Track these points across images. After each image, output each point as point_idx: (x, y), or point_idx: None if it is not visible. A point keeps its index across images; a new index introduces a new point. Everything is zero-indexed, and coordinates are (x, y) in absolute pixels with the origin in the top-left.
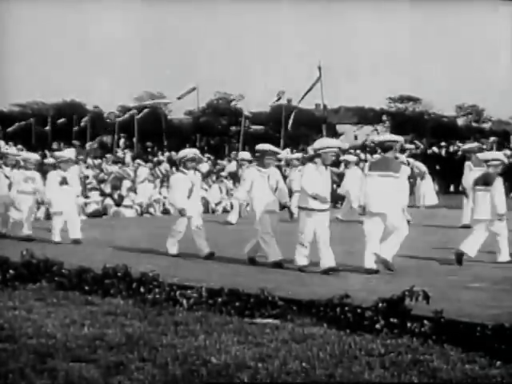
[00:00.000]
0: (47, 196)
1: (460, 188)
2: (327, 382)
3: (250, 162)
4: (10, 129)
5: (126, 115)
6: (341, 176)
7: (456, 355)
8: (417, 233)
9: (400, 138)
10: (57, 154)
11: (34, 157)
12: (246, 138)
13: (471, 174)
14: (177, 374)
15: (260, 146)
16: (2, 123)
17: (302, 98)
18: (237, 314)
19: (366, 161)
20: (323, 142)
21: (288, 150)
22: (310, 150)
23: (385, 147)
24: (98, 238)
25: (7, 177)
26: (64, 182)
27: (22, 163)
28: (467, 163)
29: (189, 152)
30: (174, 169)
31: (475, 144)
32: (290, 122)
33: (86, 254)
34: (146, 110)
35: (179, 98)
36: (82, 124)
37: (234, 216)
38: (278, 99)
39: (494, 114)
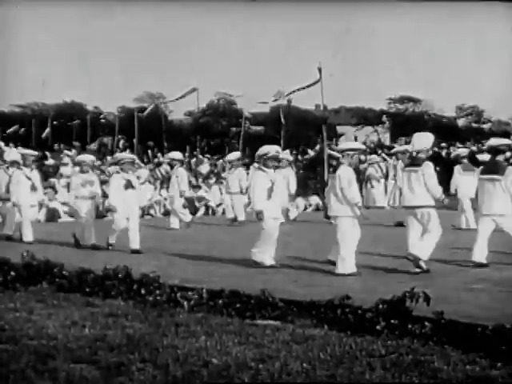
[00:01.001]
0: (111, 201)
1: (451, 191)
2: (328, 383)
3: (181, 162)
4: (10, 130)
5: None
6: None
7: (457, 356)
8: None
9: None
10: (119, 155)
11: (90, 158)
12: (246, 138)
13: (461, 178)
14: (177, 374)
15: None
16: (3, 124)
17: (294, 92)
18: (237, 316)
19: (364, 162)
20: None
21: (288, 151)
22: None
23: (497, 151)
24: (98, 240)
25: (29, 178)
26: (129, 185)
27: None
28: (457, 167)
29: (270, 149)
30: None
31: (466, 150)
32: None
33: (86, 255)
34: (148, 109)
35: (179, 98)
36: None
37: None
38: (275, 100)
39: (493, 114)
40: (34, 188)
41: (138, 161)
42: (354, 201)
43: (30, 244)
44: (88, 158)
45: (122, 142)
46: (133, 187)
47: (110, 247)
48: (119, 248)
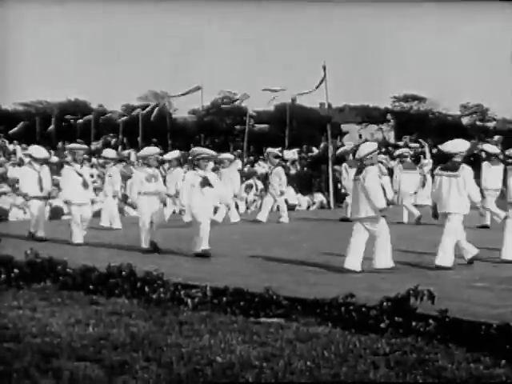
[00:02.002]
0: (183, 200)
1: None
2: (332, 382)
3: (115, 160)
4: (14, 129)
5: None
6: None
7: (461, 354)
8: (421, 232)
9: None
10: (196, 149)
11: (155, 150)
12: (250, 137)
13: (402, 176)
14: (181, 373)
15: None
16: (7, 122)
17: (303, 94)
18: (241, 314)
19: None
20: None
21: (295, 150)
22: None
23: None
24: (102, 237)
25: (80, 174)
26: (206, 183)
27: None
28: (399, 165)
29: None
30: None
31: (407, 149)
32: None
33: (90, 253)
34: (148, 108)
35: (183, 95)
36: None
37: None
38: (273, 98)
39: (498, 112)
40: (85, 185)
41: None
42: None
43: (78, 246)
44: (154, 150)
45: (125, 140)
46: (210, 185)
47: (207, 254)
48: (123, 245)
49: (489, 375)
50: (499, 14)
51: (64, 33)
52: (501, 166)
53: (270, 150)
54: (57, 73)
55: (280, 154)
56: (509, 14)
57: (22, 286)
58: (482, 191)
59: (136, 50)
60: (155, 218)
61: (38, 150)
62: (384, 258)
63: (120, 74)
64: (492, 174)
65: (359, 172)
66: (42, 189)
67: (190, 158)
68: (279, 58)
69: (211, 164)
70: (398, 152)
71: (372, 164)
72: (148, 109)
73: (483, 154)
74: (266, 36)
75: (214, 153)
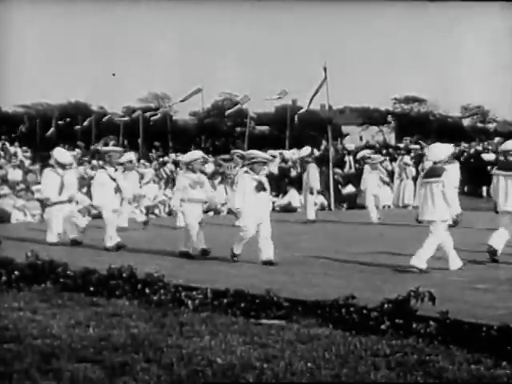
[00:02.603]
0: (236, 205)
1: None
2: (333, 383)
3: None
4: (16, 134)
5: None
6: (345, 177)
7: (462, 356)
8: (421, 233)
9: None
10: (252, 152)
11: (200, 155)
12: (251, 138)
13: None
14: (182, 374)
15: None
16: (7, 124)
17: (310, 102)
18: (242, 315)
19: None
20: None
21: (294, 150)
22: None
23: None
24: (102, 240)
25: (113, 179)
26: (261, 187)
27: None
28: (366, 166)
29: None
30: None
31: (369, 151)
32: (295, 119)
33: (90, 255)
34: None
35: (183, 101)
36: (86, 123)
37: None
38: (278, 98)
39: (499, 114)
40: (118, 190)
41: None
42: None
43: (116, 251)
44: (199, 154)
45: (124, 142)
46: (265, 189)
47: (235, 259)
48: (128, 248)
49: (490, 376)
50: (499, 15)
51: (65, 34)
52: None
53: (234, 150)
54: (57, 74)
55: (242, 154)
56: (508, 14)
57: (23, 288)
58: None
59: (136, 52)
60: (196, 225)
61: (62, 155)
62: (455, 259)
63: (121, 75)
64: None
65: (433, 175)
66: (64, 193)
67: (244, 161)
68: (280, 59)
69: (211, 166)
70: (361, 153)
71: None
72: (152, 113)
73: None
74: (266, 37)
75: (269, 156)
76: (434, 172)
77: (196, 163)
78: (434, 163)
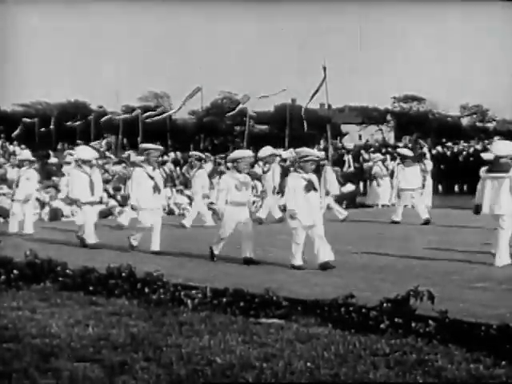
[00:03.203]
0: (289, 206)
1: None
2: (332, 382)
3: (31, 162)
4: (15, 132)
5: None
6: (344, 176)
7: (461, 355)
8: (421, 233)
9: None
10: (304, 150)
11: (248, 154)
12: (250, 137)
13: None
14: (181, 373)
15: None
16: (6, 123)
17: (310, 101)
18: (241, 314)
19: (369, 160)
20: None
21: (292, 150)
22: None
23: None
24: (102, 239)
25: (151, 177)
26: (311, 187)
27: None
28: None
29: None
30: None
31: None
32: (305, 124)
33: (90, 254)
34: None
35: (185, 102)
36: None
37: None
38: (275, 94)
39: (498, 113)
40: (156, 189)
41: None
42: None
43: (156, 254)
44: (247, 153)
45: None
46: (315, 189)
47: (301, 265)
48: (127, 247)
49: (489, 375)
50: (499, 14)
51: (64, 33)
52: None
53: (192, 152)
54: (56, 73)
55: (202, 156)
56: (509, 14)
57: (22, 287)
58: None
59: (136, 51)
60: (243, 228)
61: (85, 151)
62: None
63: (120, 74)
64: None
65: (500, 170)
66: (93, 193)
67: (296, 159)
68: (279, 58)
69: (210, 165)
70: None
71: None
72: (152, 112)
73: None
74: (266, 36)
75: (321, 154)
76: (501, 167)
77: (242, 162)
78: (498, 158)
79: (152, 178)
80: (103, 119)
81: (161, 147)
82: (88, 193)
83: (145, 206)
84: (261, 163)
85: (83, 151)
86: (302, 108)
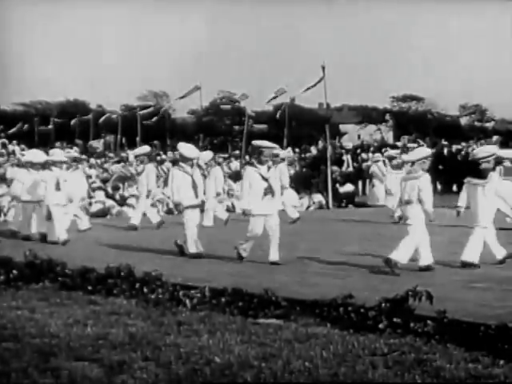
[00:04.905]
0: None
1: None
2: (331, 382)
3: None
4: (13, 129)
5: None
6: (343, 176)
7: (459, 354)
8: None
9: None
10: (412, 150)
11: (268, 143)
12: (249, 137)
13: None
14: (180, 373)
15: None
16: (5, 122)
17: (304, 92)
18: (240, 314)
19: (367, 160)
20: None
21: (290, 148)
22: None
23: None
24: (101, 238)
25: (265, 179)
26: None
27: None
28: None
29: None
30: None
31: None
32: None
33: (89, 253)
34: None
35: (182, 97)
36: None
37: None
38: (275, 97)
39: (497, 113)
40: (271, 191)
41: None
42: None
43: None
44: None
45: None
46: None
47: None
48: (126, 247)
49: (487, 375)
50: (499, 14)
51: (63, 33)
52: None
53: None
54: (56, 73)
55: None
56: (509, 13)
57: (21, 287)
58: None
59: (135, 50)
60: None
61: (189, 149)
62: None
63: (119, 73)
64: None
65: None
66: (197, 195)
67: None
68: (279, 58)
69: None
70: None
71: None
72: (149, 110)
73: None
74: (266, 35)
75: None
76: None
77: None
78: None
79: (266, 179)
80: (102, 118)
81: (276, 145)
82: (191, 195)
83: (257, 212)
84: None
85: (187, 148)
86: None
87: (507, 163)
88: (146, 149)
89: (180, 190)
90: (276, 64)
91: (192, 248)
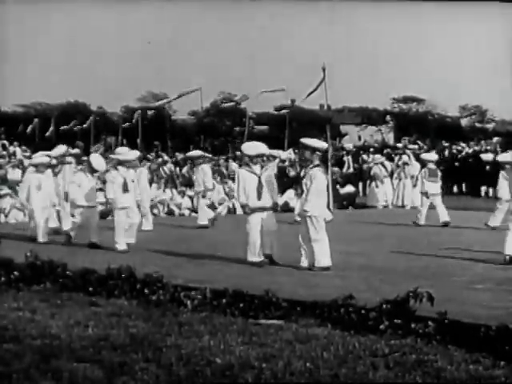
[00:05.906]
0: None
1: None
2: (331, 383)
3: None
4: (18, 131)
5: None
6: (344, 177)
7: (460, 356)
8: (420, 233)
9: None
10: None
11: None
12: (250, 138)
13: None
14: (181, 374)
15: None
16: (6, 124)
17: (306, 98)
18: (241, 315)
19: (365, 162)
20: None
21: (290, 150)
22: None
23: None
24: (102, 240)
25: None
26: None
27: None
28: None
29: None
30: None
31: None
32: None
33: (90, 255)
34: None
35: (180, 96)
36: (86, 125)
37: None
38: (274, 91)
39: (497, 114)
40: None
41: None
42: None
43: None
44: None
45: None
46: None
47: None
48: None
49: (488, 376)
50: (499, 15)
51: (64, 34)
52: None
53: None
54: (56, 74)
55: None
56: (509, 15)
57: (22, 288)
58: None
59: (135, 51)
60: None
61: (251, 146)
62: None
63: (119, 75)
64: None
65: None
66: (260, 197)
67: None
68: (279, 59)
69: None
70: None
71: None
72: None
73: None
74: (266, 36)
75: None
76: None
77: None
78: None
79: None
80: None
81: (325, 144)
82: (255, 197)
83: (321, 213)
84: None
85: (249, 146)
86: (298, 104)
87: None
88: (62, 149)
89: (247, 192)
90: (277, 65)
91: (253, 258)
